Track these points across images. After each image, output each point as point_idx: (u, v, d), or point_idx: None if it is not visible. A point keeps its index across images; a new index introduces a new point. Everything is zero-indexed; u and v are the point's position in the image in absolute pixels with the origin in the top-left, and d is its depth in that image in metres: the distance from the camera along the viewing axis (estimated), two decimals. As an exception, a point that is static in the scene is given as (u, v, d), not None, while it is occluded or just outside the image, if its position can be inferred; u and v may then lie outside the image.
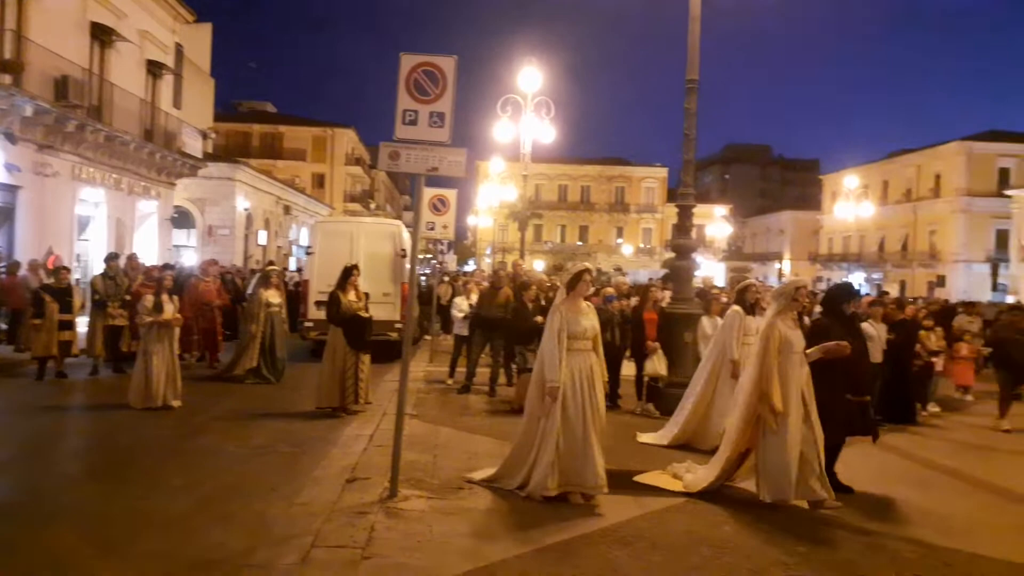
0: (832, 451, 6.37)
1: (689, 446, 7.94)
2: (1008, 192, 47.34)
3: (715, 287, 18.53)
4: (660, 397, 9.84)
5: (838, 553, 5.16)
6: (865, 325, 10.25)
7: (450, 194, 13.18)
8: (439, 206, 13.14)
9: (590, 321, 6.01)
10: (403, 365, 6.35)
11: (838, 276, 57.97)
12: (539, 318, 9.72)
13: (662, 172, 69.41)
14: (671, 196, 58.83)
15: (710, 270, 61.67)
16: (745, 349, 8.02)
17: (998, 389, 10.45)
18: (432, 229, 14.05)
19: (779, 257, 69.75)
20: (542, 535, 5.17)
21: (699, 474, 6.42)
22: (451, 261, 29.19)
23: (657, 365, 9.99)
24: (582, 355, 5.88)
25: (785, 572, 4.77)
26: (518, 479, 5.99)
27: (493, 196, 36.90)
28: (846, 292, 6.96)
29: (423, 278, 22.14)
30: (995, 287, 40.61)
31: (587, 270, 6.17)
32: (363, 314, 9.47)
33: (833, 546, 5.30)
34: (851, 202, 44.11)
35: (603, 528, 5.38)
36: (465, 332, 11.71)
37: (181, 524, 5.42)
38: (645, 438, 8.30)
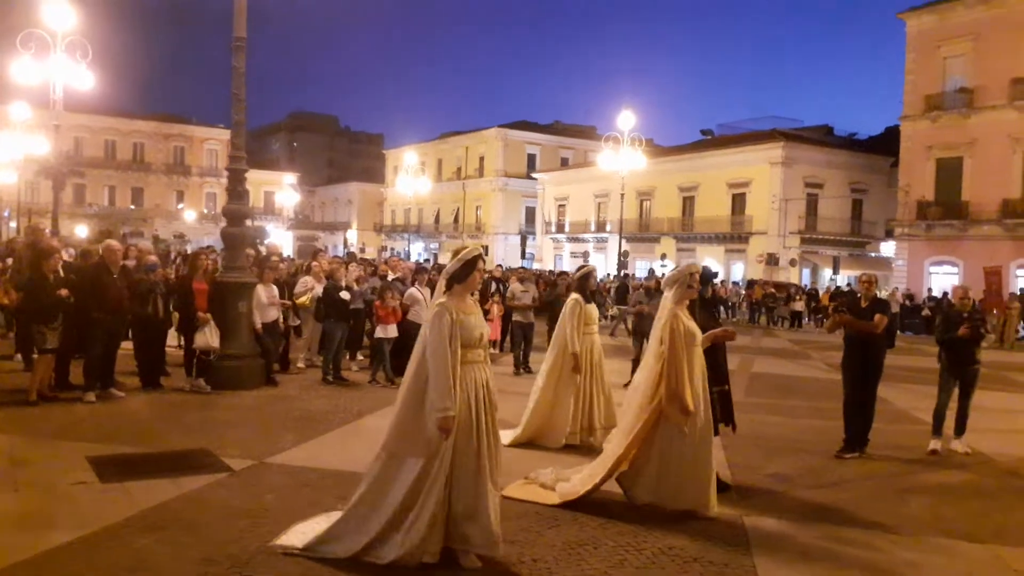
0: None
1: (534, 444, 7.39)
2: (534, 175, 56.35)
3: (278, 255, 18.30)
4: (212, 371, 9.39)
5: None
6: (412, 290, 11.14)
7: (-61, 140, 10.64)
8: (-78, 154, 10.52)
9: (483, 323, 4.66)
10: None
11: (401, 246, 62.27)
12: (63, 291, 8.42)
13: (226, 134, 65.83)
14: (237, 161, 56.28)
15: (279, 238, 61.04)
16: (587, 340, 7.65)
17: None
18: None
19: (347, 227, 72.01)
20: (50, 536, 4.50)
21: (575, 481, 5.74)
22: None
23: (209, 337, 9.46)
24: (476, 368, 4.45)
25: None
26: (362, 539, 4.35)
27: (16, 148, 31.00)
28: (705, 276, 6.46)
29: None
30: (523, 255, 47.67)
31: (480, 255, 4.73)
32: None
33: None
34: (411, 177, 47.35)
35: (130, 517, 4.90)
36: None
37: None
38: None
